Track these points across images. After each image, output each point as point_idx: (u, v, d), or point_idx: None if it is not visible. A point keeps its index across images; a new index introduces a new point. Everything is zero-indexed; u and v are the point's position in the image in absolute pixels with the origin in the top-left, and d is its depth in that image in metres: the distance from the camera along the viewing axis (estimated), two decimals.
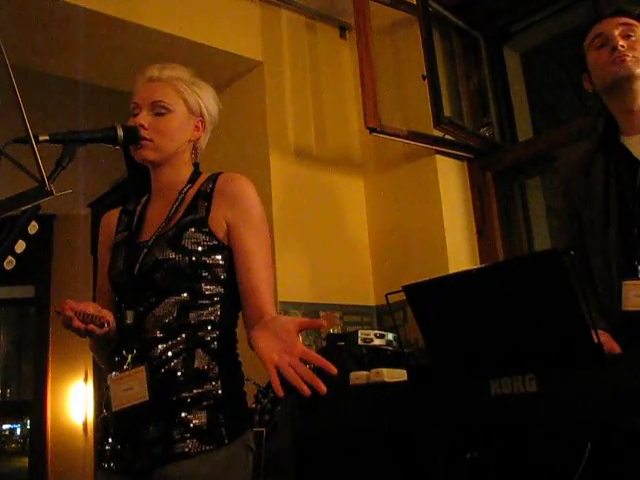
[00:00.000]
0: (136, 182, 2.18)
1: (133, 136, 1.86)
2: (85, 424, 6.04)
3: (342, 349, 2.81)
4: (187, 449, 1.69)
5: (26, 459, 6.80)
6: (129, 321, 1.80)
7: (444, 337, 1.89)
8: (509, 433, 1.87)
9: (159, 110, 1.90)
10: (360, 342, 2.80)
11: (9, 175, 1.49)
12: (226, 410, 1.77)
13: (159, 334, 1.78)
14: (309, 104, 3.78)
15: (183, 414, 1.72)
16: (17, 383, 7.92)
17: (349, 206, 3.74)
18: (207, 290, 1.83)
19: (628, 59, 2.09)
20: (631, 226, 2.05)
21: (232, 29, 3.61)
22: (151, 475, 1.72)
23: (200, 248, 1.82)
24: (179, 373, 1.75)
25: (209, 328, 1.82)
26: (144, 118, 1.88)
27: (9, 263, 1.42)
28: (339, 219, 3.69)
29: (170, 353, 1.77)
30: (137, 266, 1.81)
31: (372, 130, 3.18)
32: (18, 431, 8.22)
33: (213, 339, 1.82)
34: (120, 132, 1.82)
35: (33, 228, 1.47)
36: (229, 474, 1.73)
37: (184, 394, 1.74)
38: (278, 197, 3.43)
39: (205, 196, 1.90)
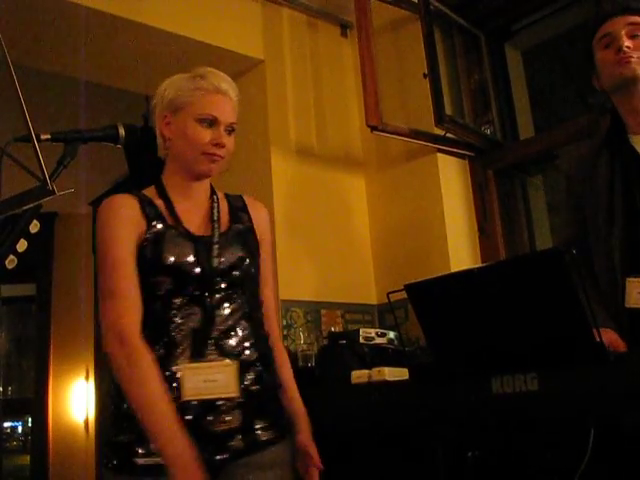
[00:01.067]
0: (137, 181, 2.18)
1: (134, 135, 1.86)
2: (86, 422, 6.05)
3: (343, 347, 2.81)
4: (271, 437, 1.79)
5: (28, 457, 6.80)
6: (205, 313, 1.80)
7: (446, 336, 1.89)
8: (511, 432, 1.88)
9: (230, 130, 1.94)
10: (362, 340, 2.80)
11: (11, 173, 1.49)
12: (282, 403, 1.90)
13: (234, 327, 1.82)
14: (310, 102, 3.78)
15: (263, 404, 1.81)
16: (18, 381, 7.91)
17: (350, 204, 3.74)
18: (258, 293, 1.97)
19: (633, 60, 2.07)
20: (636, 224, 2.04)
21: (233, 27, 3.61)
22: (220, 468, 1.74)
23: (256, 254, 1.94)
24: (259, 365, 1.83)
25: (264, 327, 1.94)
26: (226, 138, 1.91)
27: (11, 262, 1.42)
28: (340, 217, 3.69)
29: (247, 344, 1.82)
30: (215, 260, 1.84)
31: (373, 128, 3.18)
32: (19, 429, 8.22)
33: (268, 336, 1.95)
34: (122, 131, 1.81)
35: (35, 227, 1.47)
36: (294, 461, 1.87)
37: (262, 385, 1.82)
38: (279, 195, 3.43)
39: (244, 210, 2.01)
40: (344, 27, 4.01)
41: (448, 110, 3.31)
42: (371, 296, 3.64)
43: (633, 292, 2.00)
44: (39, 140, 1.58)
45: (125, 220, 1.86)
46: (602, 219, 2.10)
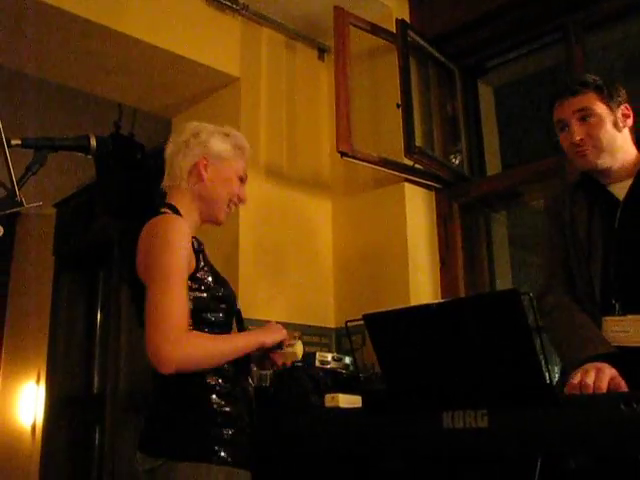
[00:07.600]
0: (104, 188, 2.20)
1: (105, 147, 1.86)
2: (34, 427, 5.93)
3: (299, 370, 2.81)
4: None
5: None
6: None
7: (400, 368, 1.90)
8: (459, 466, 1.90)
9: None
10: (317, 364, 2.80)
11: None
12: None
13: None
14: (283, 123, 3.79)
15: None
16: None
17: (315, 227, 3.75)
18: None
19: (588, 152, 2.14)
20: (609, 265, 2.11)
21: (211, 43, 3.61)
22: None
23: None
24: None
25: None
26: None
27: None
28: (305, 239, 3.70)
29: None
30: None
31: (343, 154, 3.20)
32: None
33: None
34: (93, 142, 1.81)
35: None
36: None
37: None
38: (245, 214, 3.41)
39: None
40: (322, 51, 4.04)
41: (418, 141, 3.35)
42: (329, 319, 3.65)
43: (608, 330, 2.07)
44: (9, 145, 1.58)
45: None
46: (582, 259, 2.16)
